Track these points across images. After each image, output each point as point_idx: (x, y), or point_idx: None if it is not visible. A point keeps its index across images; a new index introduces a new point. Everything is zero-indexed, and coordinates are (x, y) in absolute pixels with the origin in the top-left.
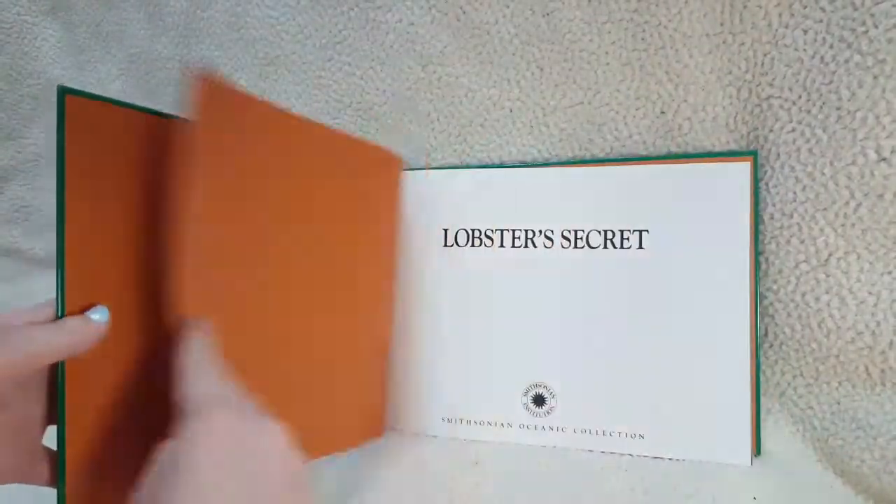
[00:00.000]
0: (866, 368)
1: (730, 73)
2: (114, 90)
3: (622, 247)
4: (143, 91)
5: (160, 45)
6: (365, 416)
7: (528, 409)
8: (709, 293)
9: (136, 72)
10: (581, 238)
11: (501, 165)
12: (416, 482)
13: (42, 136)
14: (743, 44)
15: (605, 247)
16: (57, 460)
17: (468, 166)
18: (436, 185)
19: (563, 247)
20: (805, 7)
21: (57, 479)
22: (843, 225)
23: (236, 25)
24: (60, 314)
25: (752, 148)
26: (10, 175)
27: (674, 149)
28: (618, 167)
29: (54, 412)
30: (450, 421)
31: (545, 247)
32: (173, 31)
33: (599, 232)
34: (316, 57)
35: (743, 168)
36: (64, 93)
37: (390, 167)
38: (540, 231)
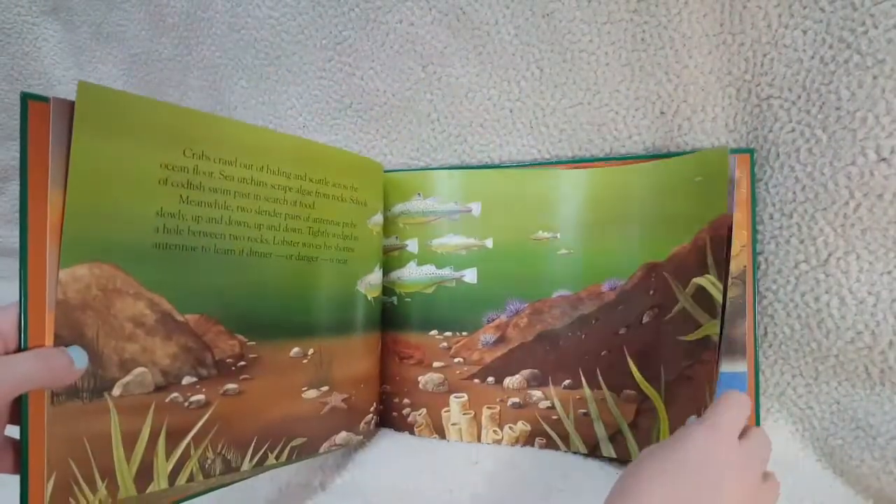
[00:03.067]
0: (866, 368)
1: (729, 73)
2: None
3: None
4: (144, 91)
5: (161, 46)
6: None
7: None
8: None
9: (137, 72)
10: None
11: (500, 166)
12: (416, 482)
13: None
14: (742, 44)
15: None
16: (19, 448)
17: (468, 166)
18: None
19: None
20: (804, 7)
21: (19, 466)
22: (842, 225)
23: (236, 26)
24: (23, 318)
25: (751, 148)
26: (11, 175)
27: (673, 149)
28: (616, 167)
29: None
30: None
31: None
32: (174, 31)
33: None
34: (316, 57)
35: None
36: (27, 98)
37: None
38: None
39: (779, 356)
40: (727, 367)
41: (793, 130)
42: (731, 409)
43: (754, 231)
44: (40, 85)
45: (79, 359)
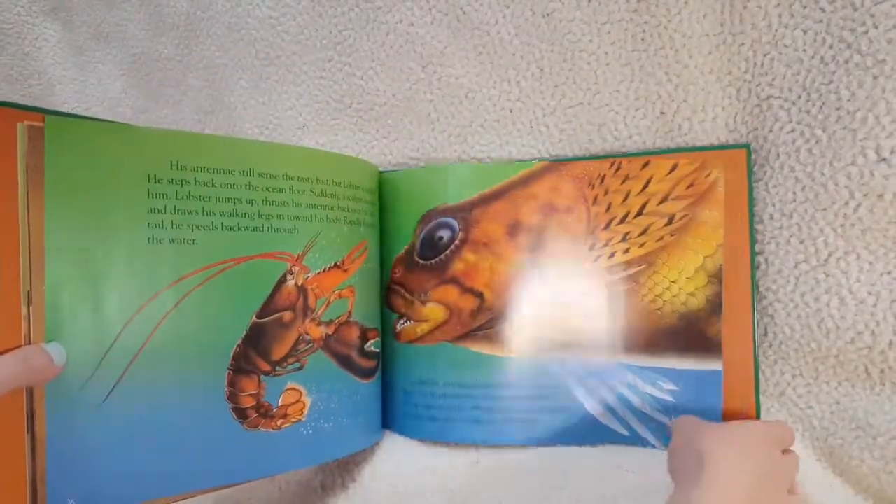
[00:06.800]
0: (866, 368)
1: (729, 73)
2: (114, 91)
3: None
4: (144, 92)
5: (161, 46)
6: None
7: None
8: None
9: (137, 72)
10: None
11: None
12: (417, 482)
13: None
14: (743, 44)
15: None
16: None
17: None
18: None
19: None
20: (805, 7)
21: None
22: (842, 225)
23: (236, 26)
24: None
25: (747, 143)
26: None
27: (673, 148)
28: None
29: None
30: None
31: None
32: (174, 31)
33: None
34: (316, 57)
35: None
36: None
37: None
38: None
39: (779, 356)
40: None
41: (793, 130)
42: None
43: (752, 231)
44: (40, 85)
45: (58, 356)
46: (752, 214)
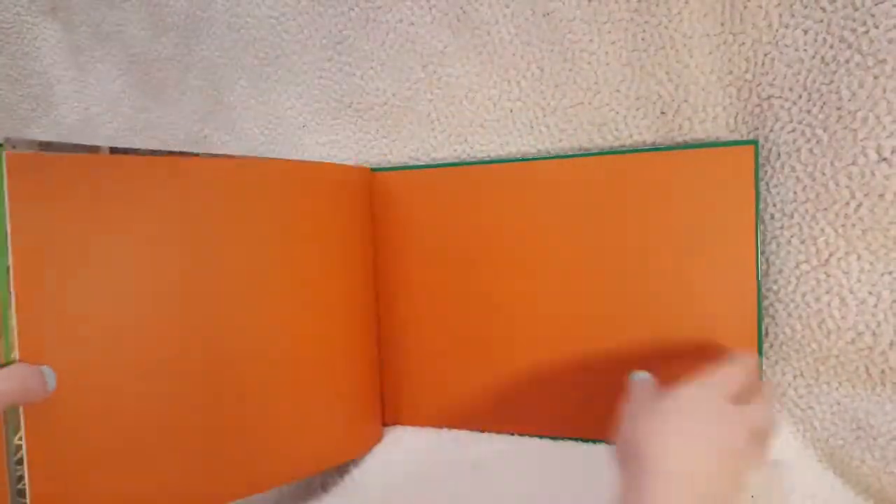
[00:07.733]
0: (867, 369)
1: (730, 73)
2: (114, 90)
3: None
4: (143, 91)
5: (160, 46)
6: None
7: None
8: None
9: (136, 72)
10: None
11: (501, 160)
12: (418, 479)
13: (42, 138)
14: (743, 44)
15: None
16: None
17: (465, 163)
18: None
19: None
20: (805, 7)
21: None
22: (843, 225)
23: (236, 25)
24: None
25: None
26: None
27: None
28: (619, 157)
29: None
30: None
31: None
32: (173, 31)
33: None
34: (316, 57)
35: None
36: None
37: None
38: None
39: (780, 356)
40: None
41: (794, 130)
42: (723, 368)
43: (758, 228)
44: (39, 85)
45: (51, 381)
46: (758, 212)
